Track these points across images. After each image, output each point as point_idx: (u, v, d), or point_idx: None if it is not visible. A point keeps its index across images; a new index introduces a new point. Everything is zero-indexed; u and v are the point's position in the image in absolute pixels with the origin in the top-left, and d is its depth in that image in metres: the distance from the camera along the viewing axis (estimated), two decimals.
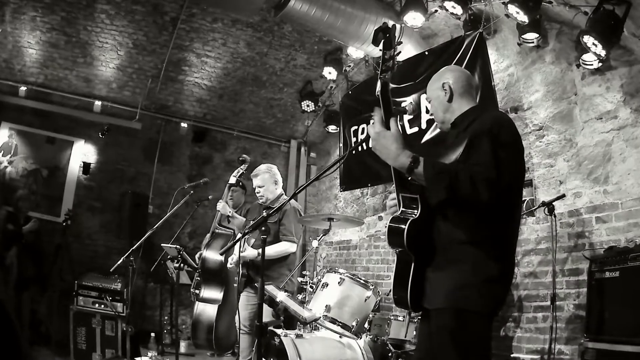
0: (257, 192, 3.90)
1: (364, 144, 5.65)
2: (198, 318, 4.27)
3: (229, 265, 3.84)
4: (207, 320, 4.19)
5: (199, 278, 4.28)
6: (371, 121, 1.83)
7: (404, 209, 1.84)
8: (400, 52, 1.81)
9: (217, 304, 4.18)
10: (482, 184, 1.60)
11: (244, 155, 4.37)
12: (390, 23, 1.90)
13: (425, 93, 2.12)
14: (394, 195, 1.93)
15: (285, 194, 3.97)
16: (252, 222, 3.21)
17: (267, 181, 3.86)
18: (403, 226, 1.75)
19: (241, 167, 4.35)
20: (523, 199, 4.11)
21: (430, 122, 4.70)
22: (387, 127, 1.77)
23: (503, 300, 1.82)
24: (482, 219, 1.71)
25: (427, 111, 4.67)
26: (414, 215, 1.78)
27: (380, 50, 1.84)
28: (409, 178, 1.74)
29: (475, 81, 4.19)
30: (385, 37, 1.83)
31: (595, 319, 3.05)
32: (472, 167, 1.65)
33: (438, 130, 4.47)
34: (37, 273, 5.17)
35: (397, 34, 1.84)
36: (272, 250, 3.63)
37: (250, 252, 3.58)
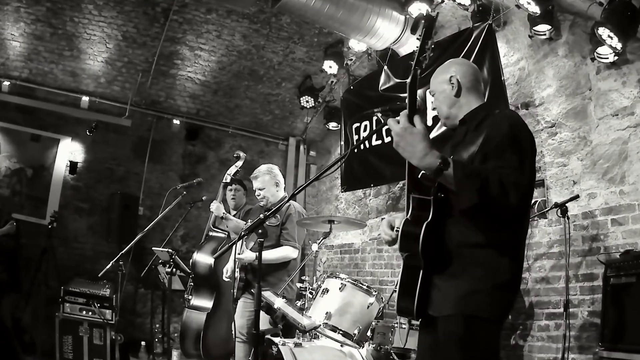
0: (257, 195, 3.90)
1: (366, 142, 5.65)
2: (185, 326, 4.26)
3: (224, 278, 3.83)
4: (196, 328, 4.17)
5: (192, 284, 4.28)
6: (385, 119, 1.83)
7: (415, 212, 1.81)
8: (433, 44, 1.83)
9: (206, 312, 4.17)
10: (511, 188, 1.62)
11: (239, 152, 4.36)
12: (435, 13, 1.93)
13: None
14: (389, 231, 1.92)
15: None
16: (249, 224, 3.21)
17: (268, 183, 3.85)
18: (419, 231, 1.73)
19: (236, 164, 4.34)
20: (535, 200, 4.12)
21: (436, 119, 4.70)
22: (412, 124, 1.73)
23: (512, 306, 1.85)
24: (495, 223, 1.73)
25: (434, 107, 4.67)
26: (424, 219, 1.77)
27: (418, 38, 1.84)
28: (432, 179, 1.72)
29: (483, 76, 4.20)
30: (427, 25, 1.84)
31: (610, 326, 3.05)
32: (500, 169, 1.66)
33: (444, 128, 4.47)
34: (13, 279, 5.14)
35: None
36: (272, 255, 3.64)
37: (249, 255, 3.59)
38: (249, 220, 3.82)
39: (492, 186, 1.61)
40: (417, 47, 1.84)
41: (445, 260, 1.77)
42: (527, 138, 1.81)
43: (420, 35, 1.83)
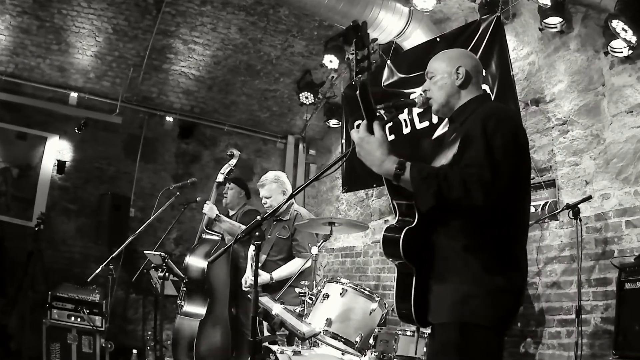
0: (264, 203, 4.04)
1: None
2: (177, 333, 4.25)
3: (244, 288, 3.94)
4: (188, 336, 4.16)
5: (185, 289, 4.27)
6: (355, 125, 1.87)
7: (400, 217, 1.89)
8: (375, 50, 1.85)
9: (199, 319, 4.17)
10: (475, 187, 1.60)
11: (232, 150, 4.38)
12: (361, 21, 1.95)
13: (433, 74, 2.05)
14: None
15: (295, 201, 4.06)
16: (263, 227, 3.28)
17: (274, 192, 3.99)
18: (398, 235, 1.78)
19: (230, 162, 4.36)
20: (545, 201, 4.12)
21: (442, 118, 4.69)
22: (371, 132, 1.79)
23: (515, 311, 1.84)
24: (482, 225, 1.73)
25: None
26: (410, 224, 1.81)
27: (352, 50, 1.87)
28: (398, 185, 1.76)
29: (491, 70, 4.20)
30: (357, 36, 1.89)
31: (624, 333, 3.05)
32: (463, 168, 1.66)
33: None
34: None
35: (368, 32, 1.87)
36: (286, 272, 3.82)
37: (263, 278, 3.73)
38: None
39: (453, 187, 1.61)
40: (352, 59, 1.86)
41: (436, 264, 1.80)
42: (506, 131, 1.74)
43: (353, 49, 1.86)
